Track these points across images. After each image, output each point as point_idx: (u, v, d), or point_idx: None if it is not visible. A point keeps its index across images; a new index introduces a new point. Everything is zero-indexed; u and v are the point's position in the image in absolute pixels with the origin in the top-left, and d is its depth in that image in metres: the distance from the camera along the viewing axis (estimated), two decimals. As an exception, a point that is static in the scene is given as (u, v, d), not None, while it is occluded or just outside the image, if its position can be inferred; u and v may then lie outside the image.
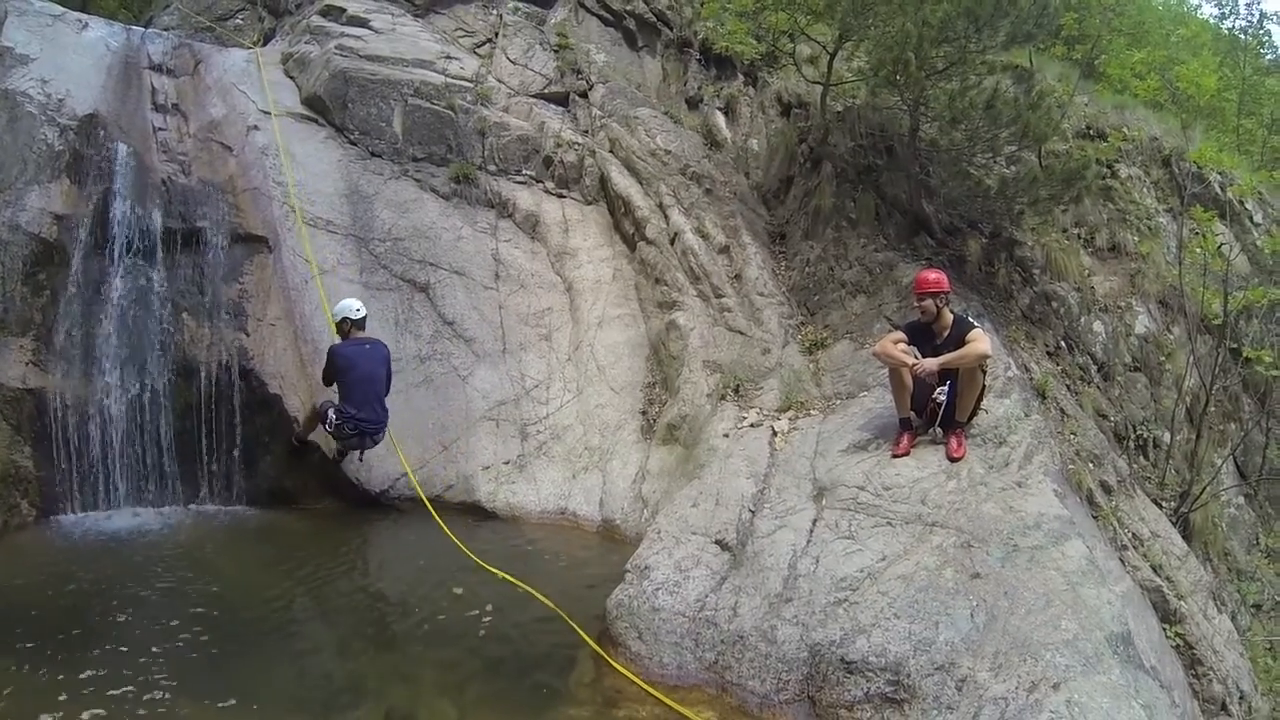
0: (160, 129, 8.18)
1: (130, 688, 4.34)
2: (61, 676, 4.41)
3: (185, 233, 7.49)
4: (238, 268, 7.62)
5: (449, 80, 9.72)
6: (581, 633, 5.01)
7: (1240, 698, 5.65)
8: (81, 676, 4.42)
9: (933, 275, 5.83)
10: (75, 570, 5.74)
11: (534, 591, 5.45)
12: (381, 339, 7.03)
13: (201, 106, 8.67)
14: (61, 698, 4.21)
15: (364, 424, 6.52)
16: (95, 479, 6.77)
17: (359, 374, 6.51)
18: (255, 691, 4.42)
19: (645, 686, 4.53)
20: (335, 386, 6.60)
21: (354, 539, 6.63)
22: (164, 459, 7.00)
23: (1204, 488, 7.36)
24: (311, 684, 4.50)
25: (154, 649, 4.75)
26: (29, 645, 4.71)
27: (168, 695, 4.31)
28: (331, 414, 6.44)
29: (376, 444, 6.74)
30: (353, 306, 6.77)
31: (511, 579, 5.63)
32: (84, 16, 8.84)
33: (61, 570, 5.75)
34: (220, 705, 4.26)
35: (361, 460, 6.86)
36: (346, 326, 6.73)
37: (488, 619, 5.31)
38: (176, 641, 4.86)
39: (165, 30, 11.15)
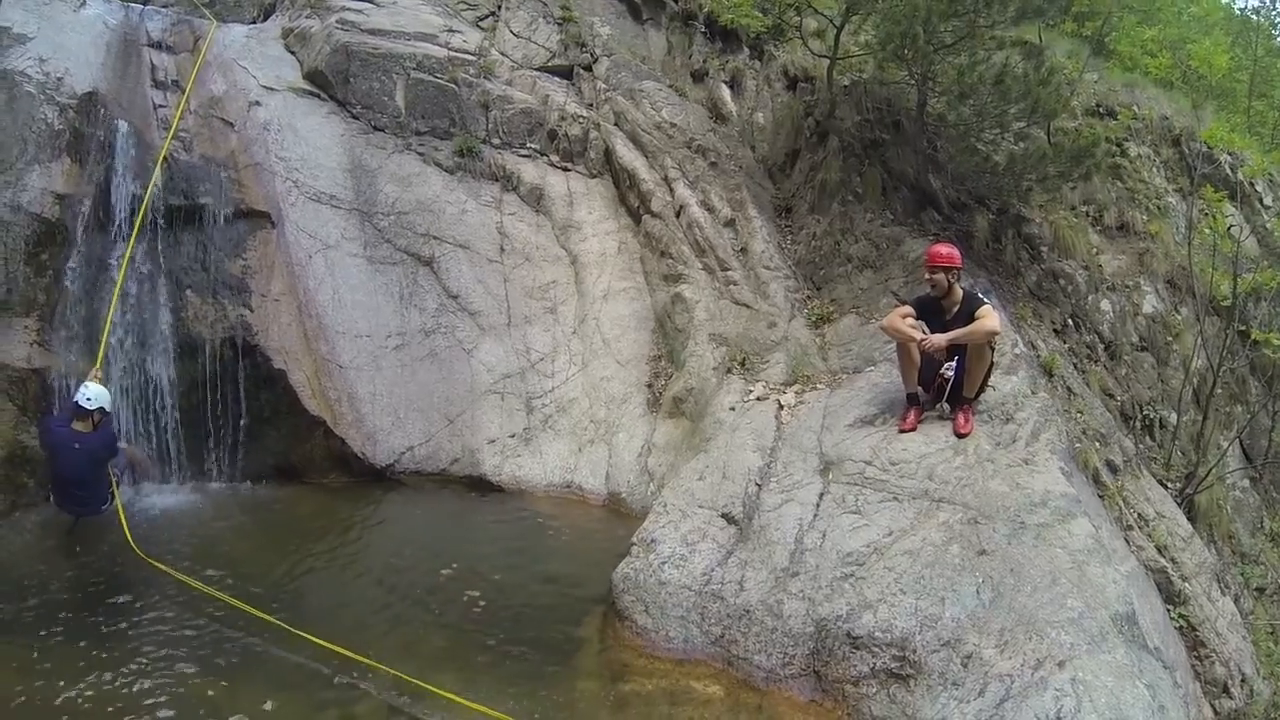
0: (160, 106, 8.08)
1: (136, 665, 4.37)
2: (68, 654, 4.43)
3: (188, 209, 7.42)
4: (241, 243, 7.56)
5: (452, 53, 9.62)
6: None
7: (1242, 680, 5.64)
8: (87, 654, 4.45)
9: (945, 249, 5.77)
10: (82, 549, 5.76)
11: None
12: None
13: (202, 82, 8.57)
14: (67, 676, 4.23)
15: (68, 509, 6.14)
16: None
17: (58, 469, 5.96)
18: (261, 666, 4.44)
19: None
20: None
21: (359, 514, 6.63)
22: (169, 436, 6.98)
23: (1210, 470, 7.33)
24: (317, 658, 4.50)
25: (160, 626, 4.78)
26: (36, 623, 4.74)
27: (174, 672, 4.33)
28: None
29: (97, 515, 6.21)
30: (81, 395, 5.96)
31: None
32: (81, -6, 8.72)
33: (68, 549, 5.77)
34: (227, 681, 4.28)
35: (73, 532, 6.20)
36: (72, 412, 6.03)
37: (495, 594, 5.33)
38: (182, 618, 4.88)
39: (164, 7, 11.02)
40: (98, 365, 6.41)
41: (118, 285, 6.86)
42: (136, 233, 7.06)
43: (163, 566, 5.37)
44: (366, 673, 4.34)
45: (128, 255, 6.99)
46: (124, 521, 5.83)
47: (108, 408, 6.13)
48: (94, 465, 6.00)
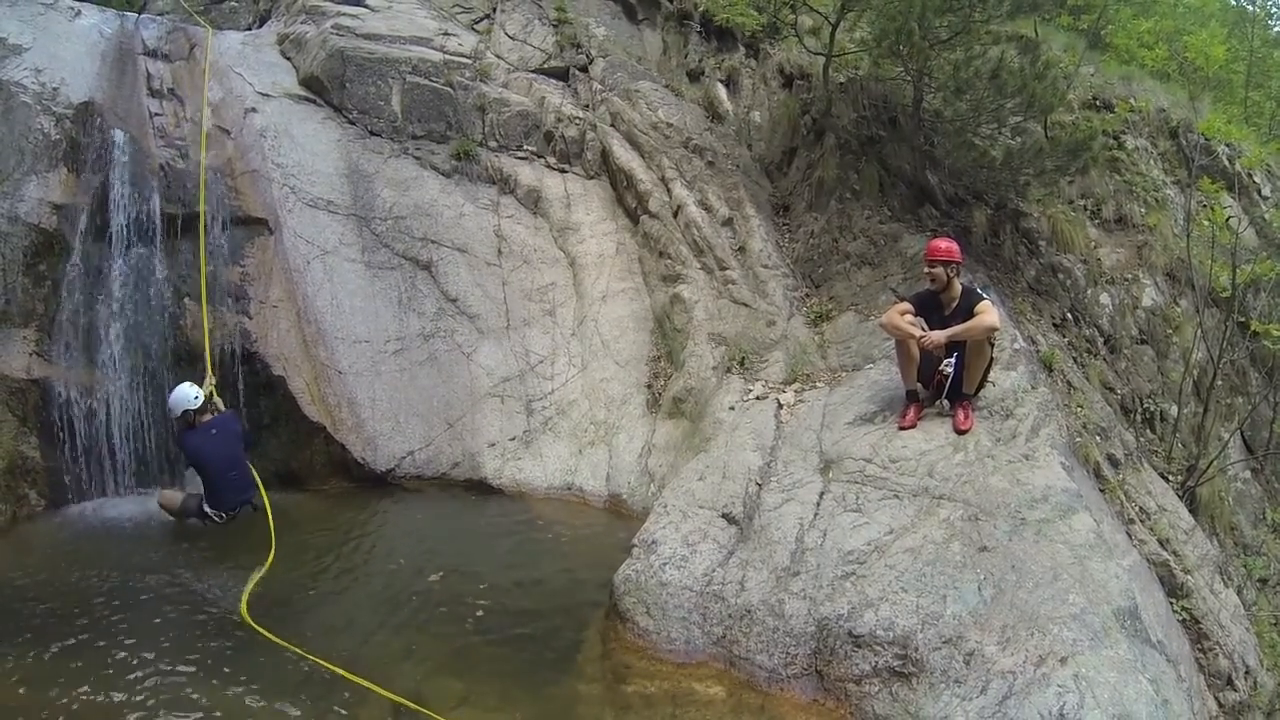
0: (157, 114, 8.07)
1: (140, 675, 4.35)
2: (75, 665, 4.42)
3: (185, 217, 7.41)
4: (238, 250, 7.56)
5: (447, 57, 9.62)
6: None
7: (1246, 672, 5.63)
8: (93, 665, 4.43)
9: (944, 244, 5.77)
10: (85, 559, 5.75)
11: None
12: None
13: (198, 90, 8.57)
14: (70, 688, 4.22)
15: (230, 506, 6.30)
16: (102, 466, 6.76)
17: (210, 463, 6.22)
18: (264, 675, 4.43)
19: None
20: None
21: (360, 520, 6.61)
22: (170, 444, 6.96)
23: (1211, 462, 7.31)
24: (318, 666, 4.50)
25: (164, 635, 4.77)
26: (40, 635, 4.73)
27: (178, 681, 4.32)
28: (205, 508, 6.27)
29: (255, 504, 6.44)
30: (189, 396, 6.30)
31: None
32: (76, 4, 8.70)
33: (71, 559, 5.76)
34: (230, 691, 4.26)
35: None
36: (190, 417, 6.33)
37: (496, 598, 5.32)
38: (186, 627, 4.88)
39: (159, 15, 11.02)
40: (209, 374, 6.71)
41: (203, 296, 7.04)
42: (204, 243, 7.22)
43: (267, 633, 4.85)
44: (366, 694, 4.29)
45: (203, 268, 7.15)
46: (256, 576, 5.52)
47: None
48: (235, 440, 6.39)
